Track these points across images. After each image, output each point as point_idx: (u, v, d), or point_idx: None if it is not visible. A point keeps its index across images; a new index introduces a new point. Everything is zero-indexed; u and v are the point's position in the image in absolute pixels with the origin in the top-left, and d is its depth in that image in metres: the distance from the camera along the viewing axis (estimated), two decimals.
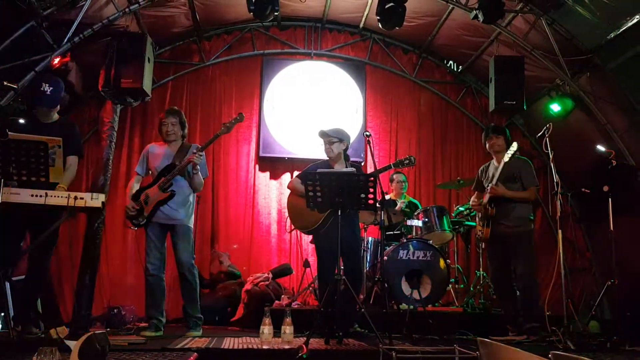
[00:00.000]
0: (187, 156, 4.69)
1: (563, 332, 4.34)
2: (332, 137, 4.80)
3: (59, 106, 4.56)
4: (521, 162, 5.10)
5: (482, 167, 5.44)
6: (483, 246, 5.25)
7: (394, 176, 6.83)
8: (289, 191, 5.05)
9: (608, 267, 5.37)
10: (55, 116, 4.53)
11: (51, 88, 4.37)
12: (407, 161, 5.13)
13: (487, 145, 5.23)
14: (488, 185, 5.08)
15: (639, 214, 6.29)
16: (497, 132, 5.18)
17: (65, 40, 5.64)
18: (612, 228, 5.27)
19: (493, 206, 4.98)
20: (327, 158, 4.89)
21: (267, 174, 7.73)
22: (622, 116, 6.35)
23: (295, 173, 7.44)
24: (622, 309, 5.13)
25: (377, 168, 4.97)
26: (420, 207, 6.62)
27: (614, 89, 6.32)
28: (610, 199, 5.35)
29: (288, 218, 5.44)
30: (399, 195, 6.74)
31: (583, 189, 5.43)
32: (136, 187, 4.82)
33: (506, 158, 4.94)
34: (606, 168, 5.65)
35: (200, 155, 4.65)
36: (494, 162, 5.23)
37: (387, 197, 6.48)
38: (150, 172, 4.89)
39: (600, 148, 5.94)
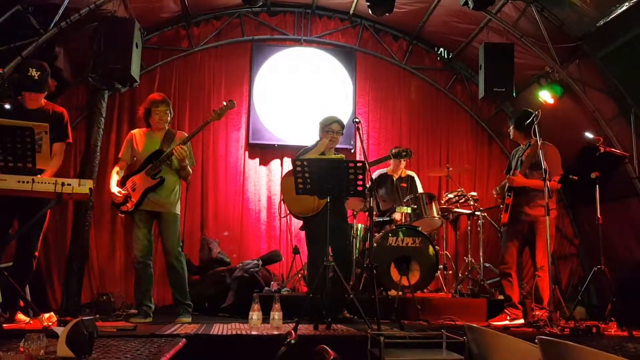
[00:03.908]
0: (173, 145, 4.69)
1: (550, 318, 4.39)
2: (343, 129, 5.01)
3: (46, 92, 4.53)
4: (548, 149, 4.99)
5: (513, 151, 5.45)
6: (502, 230, 5.31)
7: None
8: (279, 178, 5.06)
9: (595, 253, 5.42)
10: (42, 102, 4.50)
11: (39, 73, 4.36)
12: (405, 153, 5.39)
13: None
14: (509, 174, 5.11)
15: (625, 200, 6.37)
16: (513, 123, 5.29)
17: (52, 25, 5.56)
18: (599, 215, 5.32)
19: (511, 194, 5.01)
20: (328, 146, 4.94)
21: (257, 160, 7.68)
22: (610, 103, 6.37)
23: (286, 160, 7.46)
24: (609, 294, 5.19)
25: (366, 154, 4.99)
26: (417, 182, 6.62)
27: (602, 76, 6.33)
28: (597, 186, 5.39)
29: (283, 202, 5.44)
30: None
31: (571, 176, 5.45)
32: (120, 173, 4.80)
33: (529, 147, 4.95)
34: (594, 155, 5.69)
35: (184, 149, 4.62)
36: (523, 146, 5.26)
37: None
38: (134, 159, 4.86)
39: (589, 135, 5.97)
